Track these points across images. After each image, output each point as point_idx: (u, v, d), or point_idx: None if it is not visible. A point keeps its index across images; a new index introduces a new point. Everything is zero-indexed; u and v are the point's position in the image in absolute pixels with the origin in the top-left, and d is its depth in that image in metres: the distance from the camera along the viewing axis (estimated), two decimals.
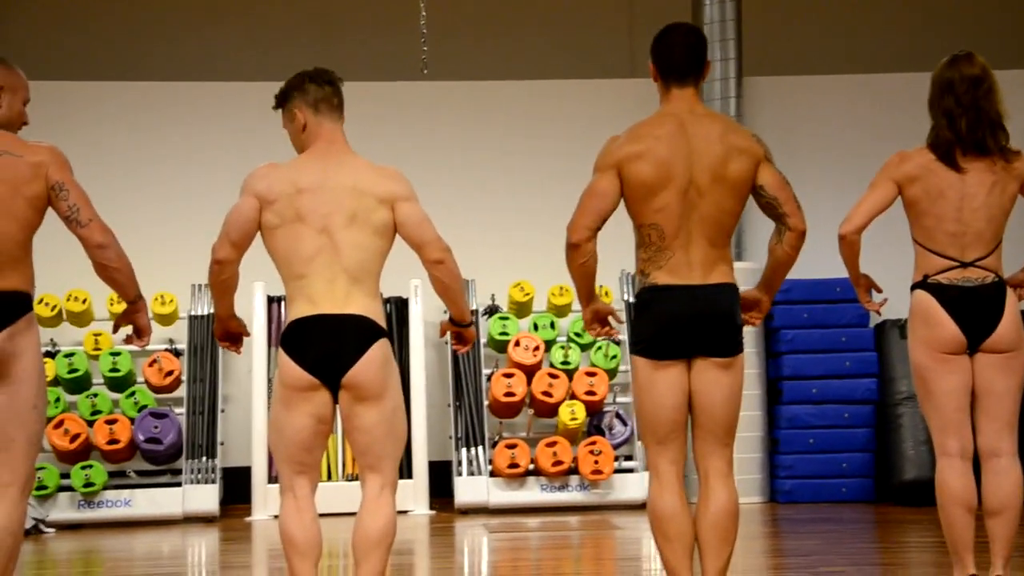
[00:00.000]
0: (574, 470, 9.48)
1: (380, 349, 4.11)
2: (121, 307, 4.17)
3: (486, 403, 9.72)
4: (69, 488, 9.22)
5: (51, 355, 9.41)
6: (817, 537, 7.85)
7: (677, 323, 4.13)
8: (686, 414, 4.22)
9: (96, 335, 9.61)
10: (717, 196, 4.14)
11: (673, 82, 4.24)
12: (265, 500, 9.26)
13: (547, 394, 9.56)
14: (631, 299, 10.09)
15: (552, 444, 9.44)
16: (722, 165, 4.14)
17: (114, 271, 4.04)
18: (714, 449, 4.22)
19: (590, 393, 9.60)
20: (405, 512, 8.95)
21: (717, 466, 4.21)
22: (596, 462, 9.37)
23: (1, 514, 3.92)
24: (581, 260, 4.17)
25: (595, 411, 9.74)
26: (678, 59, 4.22)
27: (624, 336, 10.03)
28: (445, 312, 4.43)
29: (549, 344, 9.89)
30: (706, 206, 4.13)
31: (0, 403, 3.94)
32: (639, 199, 4.15)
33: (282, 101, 4.25)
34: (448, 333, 4.47)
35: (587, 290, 4.29)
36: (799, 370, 9.61)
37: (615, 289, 9.99)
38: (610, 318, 4.37)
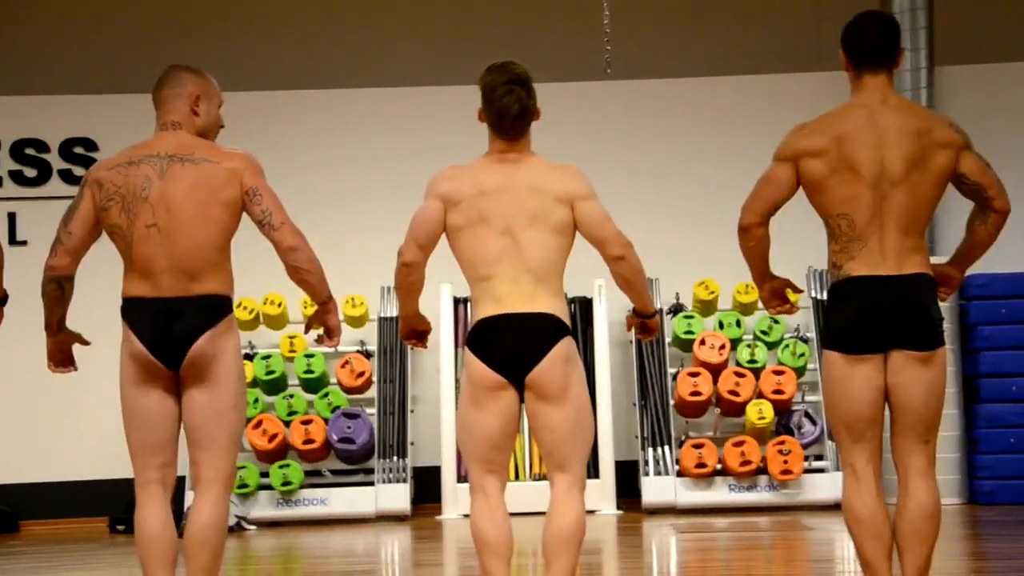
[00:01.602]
0: (763, 470, 9.35)
1: (564, 347, 4.12)
2: (314, 310, 4.27)
3: (672, 402, 9.66)
4: (268, 487, 9.51)
5: (249, 357, 9.72)
6: (1022, 541, 7.57)
7: (872, 315, 4.04)
8: (882, 410, 4.12)
9: (291, 338, 9.89)
10: (912, 187, 4.04)
11: (866, 69, 4.14)
12: (455, 499, 9.38)
13: (734, 393, 9.45)
14: (819, 296, 9.90)
15: (740, 444, 9.33)
16: (918, 157, 4.04)
17: (305, 273, 4.14)
18: (914, 447, 4.10)
19: (778, 392, 9.46)
20: (592, 512, 8.96)
21: (917, 464, 4.09)
22: (785, 462, 9.22)
23: (205, 510, 4.08)
24: (750, 243, 4.17)
25: (783, 410, 9.58)
26: (870, 43, 4.13)
27: (812, 333, 9.85)
28: (628, 309, 4.42)
29: (735, 342, 9.78)
30: (900, 196, 4.04)
31: (202, 403, 4.09)
32: (818, 192, 4.09)
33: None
34: (634, 325, 4.47)
35: (760, 270, 4.27)
36: (997, 367, 9.35)
37: (802, 286, 9.81)
38: (788, 291, 4.30)
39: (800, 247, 9.37)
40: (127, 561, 7.57)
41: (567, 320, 4.18)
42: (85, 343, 4.28)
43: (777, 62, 10.72)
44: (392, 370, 9.91)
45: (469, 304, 9.56)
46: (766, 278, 4.29)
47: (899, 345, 4.06)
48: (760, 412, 9.35)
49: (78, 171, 10.34)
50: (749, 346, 9.72)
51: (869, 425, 4.10)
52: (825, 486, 9.29)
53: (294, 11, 10.92)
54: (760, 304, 9.72)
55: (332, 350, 9.80)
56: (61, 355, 4.26)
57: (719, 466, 9.40)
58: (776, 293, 4.32)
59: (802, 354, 9.69)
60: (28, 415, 10.14)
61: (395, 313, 9.95)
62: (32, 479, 10.14)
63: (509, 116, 4.13)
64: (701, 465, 9.34)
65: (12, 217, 10.29)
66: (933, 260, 4.22)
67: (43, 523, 10.07)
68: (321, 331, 4.33)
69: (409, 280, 4.23)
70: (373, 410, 9.79)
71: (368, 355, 9.95)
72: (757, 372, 9.58)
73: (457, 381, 9.42)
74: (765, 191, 4.14)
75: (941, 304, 4.21)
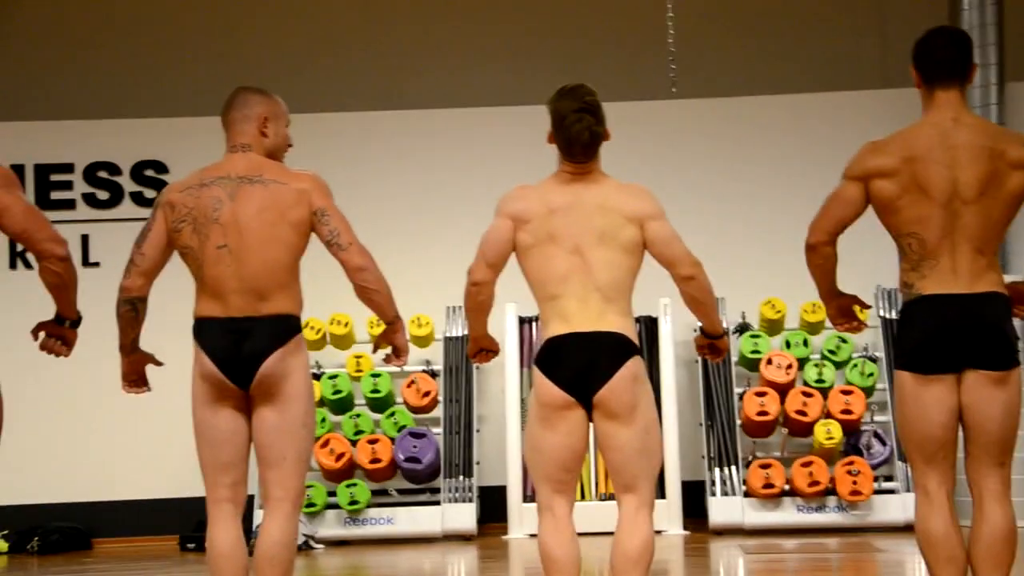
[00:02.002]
0: (831, 491, 9.26)
1: (633, 367, 4.11)
2: (381, 329, 4.31)
3: (738, 422, 9.60)
4: (335, 506, 9.56)
5: (316, 377, 9.79)
6: None
7: (944, 334, 3.99)
8: (956, 431, 4.05)
9: (357, 357, 9.94)
10: (985, 206, 3.98)
11: (937, 84, 4.09)
12: (521, 519, 9.37)
13: (801, 413, 9.37)
14: (887, 315, 9.80)
15: (808, 464, 9.24)
16: (991, 177, 3.98)
17: (373, 293, 4.18)
18: (989, 470, 4.03)
19: (846, 412, 9.36)
20: (659, 532, 8.91)
21: (992, 487, 4.02)
22: (855, 483, 9.12)
23: (275, 528, 4.11)
24: (818, 261, 4.14)
25: (852, 430, 9.48)
26: (941, 57, 4.08)
27: (881, 352, 9.74)
28: (694, 329, 4.40)
29: (802, 362, 9.70)
30: (972, 216, 3.98)
31: (272, 421, 4.12)
32: (889, 212, 4.05)
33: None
34: (702, 346, 4.45)
35: (827, 288, 4.23)
36: None
37: (870, 304, 9.71)
38: (856, 308, 4.26)
39: (868, 266, 9.29)
40: None
41: (635, 339, 4.17)
42: (158, 364, 4.33)
43: (842, 80, 10.65)
44: (458, 390, 9.93)
45: (536, 324, 9.64)
46: (833, 295, 4.26)
47: (973, 365, 4.00)
48: (828, 432, 9.26)
49: (149, 193, 10.50)
50: (816, 366, 9.63)
51: (941, 446, 4.04)
52: (895, 507, 9.17)
53: (364, 33, 11.02)
54: (828, 323, 9.67)
55: (399, 369, 9.86)
56: (135, 375, 4.32)
57: (787, 487, 9.31)
58: (843, 310, 4.29)
59: (871, 374, 9.58)
60: (101, 435, 10.28)
61: (461, 333, 9.97)
62: (105, 498, 10.27)
63: (579, 143, 4.15)
64: (769, 486, 9.26)
65: (85, 239, 10.45)
66: (1006, 278, 4.16)
67: (115, 541, 10.19)
68: (389, 350, 4.36)
69: (479, 299, 4.25)
70: (439, 430, 9.82)
71: (434, 375, 9.98)
72: (825, 392, 9.49)
73: (523, 401, 9.44)
74: (833, 210, 4.11)
75: (1017, 323, 4.15)
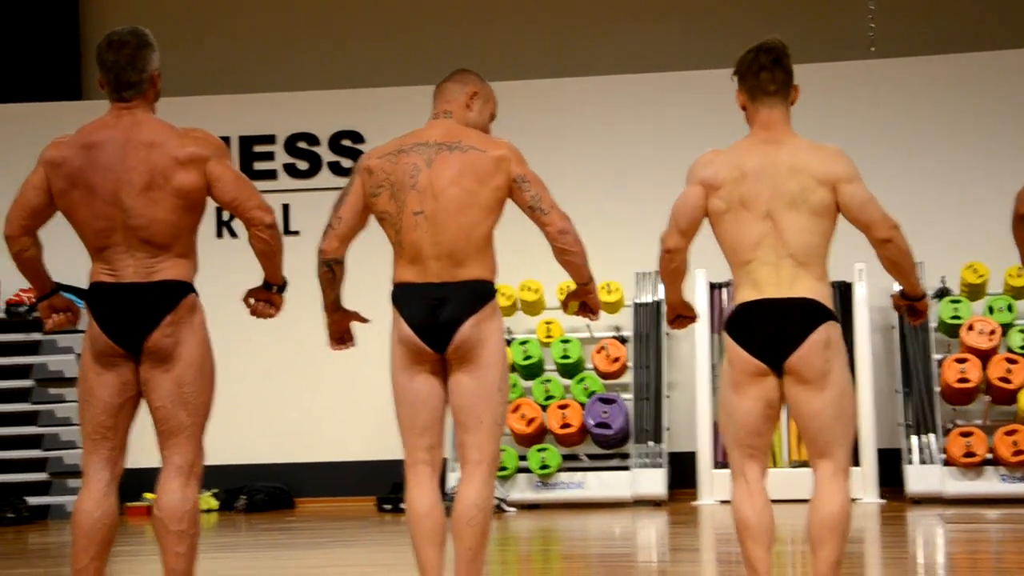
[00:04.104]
0: None
1: (825, 332, 4.05)
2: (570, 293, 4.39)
3: (937, 389, 9.35)
4: (526, 470, 9.69)
5: (507, 343, 9.91)
6: None
7: None
8: None
9: (548, 323, 10.03)
10: None
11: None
12: (711, 485, 9.34)
13: (1005, 380, 9.07)
14: None
15: (1012, 432, 8.96)
16: None
17: (573, 255, 4.25)
18: None
19: None
20: (854, 500, 8.74)
21: None
22: None
23: (472, 491, 4.19)
24: None
25: None
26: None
27: None
28: (895, 289, 4.31)
29: (1006, 328, 9.38)
30: None
31: (469, 386, 4.21)
32: None
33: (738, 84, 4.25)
34: (902, 307, 4.36)
35: None
36: None
37: None
38: None
39: None
40: (393, 539, 7.86)
41: (829, 304, 4.10)
42: (364, 320, 4.46)
43: None
44: (647, 356, 9.93)
45: (726, 289, 9.56)
46: None
47: None
48: None
49: (346, 163, 10.77)
50: (1022, 331, 9.30)
51: None
52: None
53: (555, 1, 11.05)
54: None
55: (589, 335, 9.90)
56: (339, 333, 4.47)
57: (989, 455, 9.04)
58: None
59: None
60: (303, 398, 10.63)
61: (651, 299, 9.96)
62: (307, 459, 10.63)
63: (767, 79, 4.11)
64: (970, 454, 9.01)
65: (286, 208, 10.79)
66: None
67: (316, 501, 10.55)
68: (579, 308, 4.44)
69: (672, 267, 4.24)
70: (629, 395, 9.84)
71: (624, 340, 9.99)
72: None
73: (713, 366, 9.39)
74: None
75: None
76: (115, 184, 4.00)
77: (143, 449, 4.65)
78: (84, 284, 4.13)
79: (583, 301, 4.42)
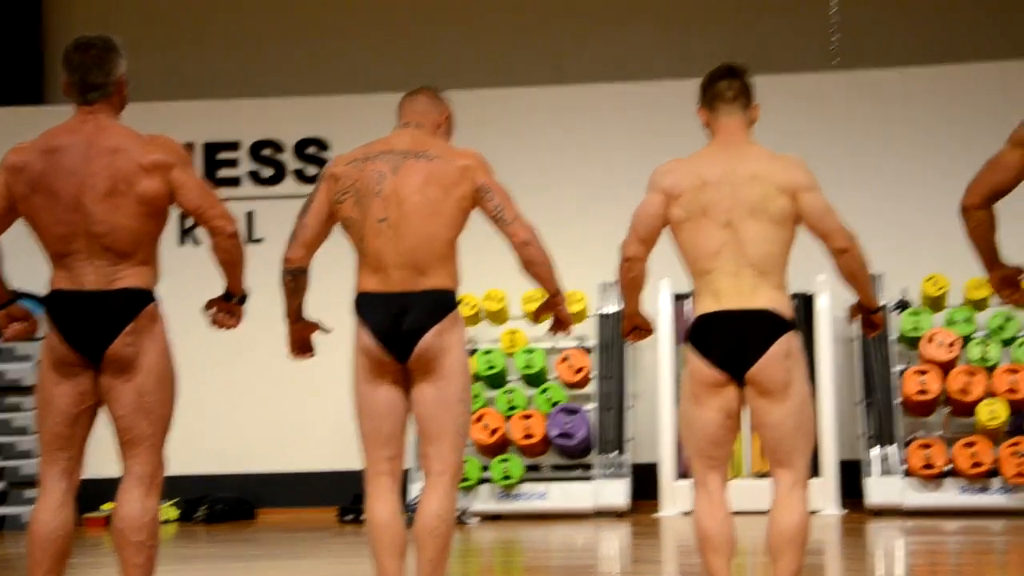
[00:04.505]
0: (996, 472, 9.01)
1: (786, 343, 4.07)
2: (534, 307, 4.38)
3: (897, 401, 9.41)
4: (489, 480, 9.67)
5: (471, 352, 9.89)
6: None
7: None
8: None
9: (511, 333, 10.02)
10: None
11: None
12: (674, 496, 9.35)
13: (964, 392, 9.14)
14: None
15: (971, 444, 9.02)
16: None
17: (538, 266, 4.25)
18: None
19: (1012, 391, 9.10)
20: (815, 512, 8.80)
21: None
22: (1020, 464, 8.87)
23: (435, 501, 4.18)
24: (971, 225, 4.03)
25: (1018, 410, 9.21)
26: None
27: None
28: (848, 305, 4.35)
29: (966, 340, 9.45)
30: None
31: (431, 396, 4.20)
32: None
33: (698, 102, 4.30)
34: (857, 318, 4.38)
35: (987, 256, 4.08)
36: None
37: None
38: (1020, 279, 4.14)
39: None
40: (355, 550, 7.82)
41: (789, 314, 4.13)
42: (326, 330, 4.44)
43: (1012, 48, 10.31)
44: (611, 366, 9.94)
45: (689, 300, 9.57)
46: (995, 265, 4.14)
47: None
48: (992, 412, 9.02)
49: (311, 170, 10.73)
50: (981, 343, 9.38)
51: None
52: None
53: (521, 9, 11.07)
54: (993, 301, 9.40)
55: (553, 345, 9.90)
56: (300, 342, 4.45)
57: (948, 467, 9.10)
58: (1007, 281, 4.17)
59: None
60: (266, 409, 10.57)
61: (614, 309, 9.97)
62: (268, 469, 10.57)
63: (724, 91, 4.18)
64: (929, 466, 9.06)
65: (250, 216, 10.74)
66: None
67: (277, 511, 10.49)
68: (550, 321, 4.42)
69: (631, 275, 4.25)
70: (592, 406, 9.84)
71: (587, 351, 10.00)
72: (989, 370, 9.24)
73: (676, 378, 9.40)
74: (989, 174, 4.00)
75: None
76: (77, 189, 3.97)
77: (102, 459, 4.61)
78: (43, 293, 4.08)
79: (554, 315, 4.40)
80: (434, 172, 4.21)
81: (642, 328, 4.45)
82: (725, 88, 4.19)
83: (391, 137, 4.33)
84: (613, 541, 8.56)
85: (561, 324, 4.42)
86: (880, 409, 9.40)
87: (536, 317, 4.54)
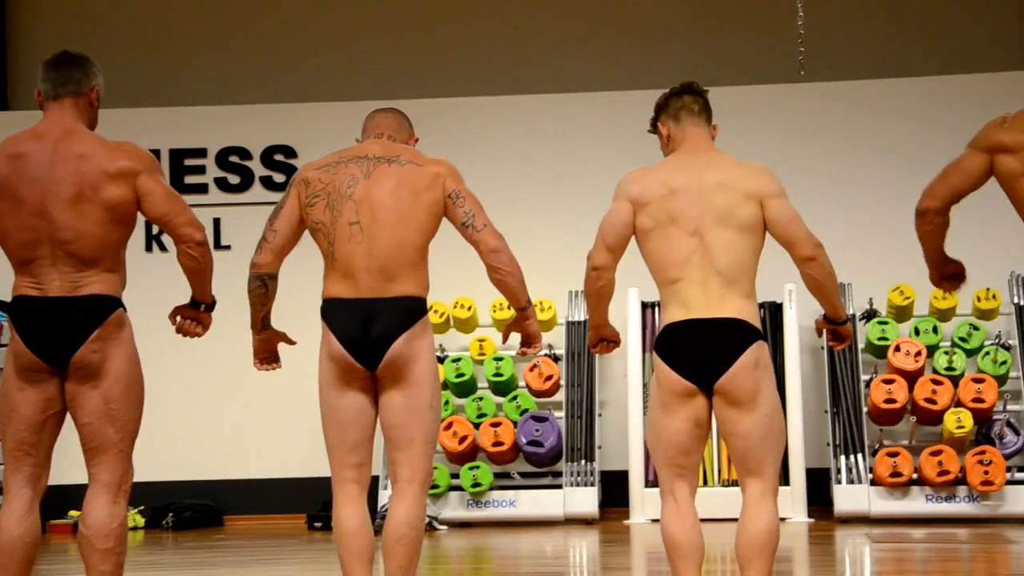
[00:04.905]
0: (962, 480, 9.07)
1: (754, 353, 4.07)
2: (503, 315, 4.35)
3: (865, 410, 9.45)
4: (459, 488, 9.66)
5: (439, 360, 9.89)
6: None
7: None
8: None
9: (480, 341, 10.02)
10: None
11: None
12: (643, 504, 9.37)
13: (931, 401, 9.20)
14: (1022, 302, 9.55)
15: (937, 453, 9.08)
16: None
17: (506, 275, 4.20)
18: None
19: (977, 400, 9.17)
20: (783, 519, 8.82)
21: None
22: (986, 472, 8.93)
23: (403, 509, 4.16)
24: (926, 228, 4.06)
25: (983, 419, 9.28)
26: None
27: (1015, 340, 9.51)
28: (819, 314, 4.36)
29: (932, 349, 9.51)
30: None
31: (400, 403, 4.18)
32: (1011, 191, 3.94)
33: (653, 122, 4.32)
34: (824, 331, 4.38)
35: (934, 256, 4.14)
36: None
37: (1003, 292, 9.49)
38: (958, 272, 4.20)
39: (1002, 252, 9.08)
40: (324, 557, 7.79)
41: (757, 323, 4.13)
42: (291, 342, 4.41)
43: (975, 62, 10.40)
44: (580, 374, 9.95)
45: (658, 308, 9.61)
46: (940, 262, 4.18)
47: None
48: (959, 421, 9.08)
49: (278, 177, 10.70)
50: (947, 353, 9.44)
51: None
52: None
53: (488, 19, 11.08)
54: (960, 310, 9.47)
55: (525, 358, 9.89)
56: (266, 352, 4.40)
57: (915, 475, 9.15)
58: (957, 276, 4.23)
59: (1004, 362, 9.36)
60: (233, 415, 10.53)
61: (583, 317, 9.98)
62: (236, 476, 10.53)
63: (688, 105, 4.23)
64: (896, 474, 9.11)
65: (217, 223, 10.70)
66: None
67: (245, 518, 10.45)
68: (519, 339, 4.39)
69: (598, 285, 4.23)
70: (561, 413, 9.85)
71: (556, 359, 10.01)
72: (955, 380, 9.30)
73: (645, 385, 9.42)
74: (951, 177, 4.02)
75: None
76: (42, 195, 3.95)
77: (68, 465, 4.58)
78: (6, 298, 4.05)
79: (521, 330, 4.37)
80: (406, 177, 4.20)
81: (609, 339, 4.42)
82: (691, 102, 4.22)
83: (363, 145, 4.32)
84: (582, 548, 8.57)
85: (529, 341, 4.38)
86: (847, 418, 9.44)
87: (504, 337, 4.50)
